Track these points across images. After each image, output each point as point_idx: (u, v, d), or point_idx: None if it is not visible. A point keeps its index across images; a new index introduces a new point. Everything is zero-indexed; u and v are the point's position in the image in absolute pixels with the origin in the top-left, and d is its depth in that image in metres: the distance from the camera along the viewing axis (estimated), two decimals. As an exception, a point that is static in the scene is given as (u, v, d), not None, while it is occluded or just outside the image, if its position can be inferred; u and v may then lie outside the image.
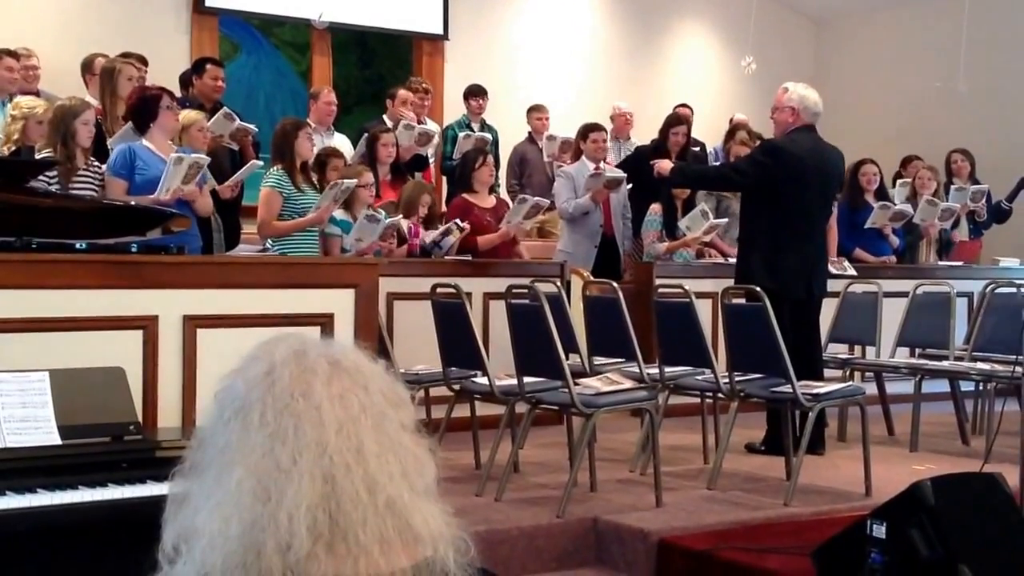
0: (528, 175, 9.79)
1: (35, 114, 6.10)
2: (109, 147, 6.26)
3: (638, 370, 5.86)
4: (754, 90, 11.61)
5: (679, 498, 5.27)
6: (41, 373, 3.48)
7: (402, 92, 9.19)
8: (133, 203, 5.47)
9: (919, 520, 3.56)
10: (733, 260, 6.95)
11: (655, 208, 8.18)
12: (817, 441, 6.13)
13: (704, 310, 6.57)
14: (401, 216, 7.18)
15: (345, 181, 6.64)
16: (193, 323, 4.15)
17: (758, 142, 8.07)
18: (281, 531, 1.34)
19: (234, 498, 1.36)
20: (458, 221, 7.37)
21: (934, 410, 7.18)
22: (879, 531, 3.66)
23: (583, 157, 8.60)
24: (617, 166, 9.00)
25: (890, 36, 12.76)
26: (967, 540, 3.58)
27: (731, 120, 10.69)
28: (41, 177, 5.34)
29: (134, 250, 4.18)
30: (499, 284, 6.33)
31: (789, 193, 6.20)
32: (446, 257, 7.34)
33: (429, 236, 7.38)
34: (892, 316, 7.31)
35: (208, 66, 8.05)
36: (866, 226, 8.81)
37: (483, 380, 5.67)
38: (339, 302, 4.50)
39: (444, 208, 8.43)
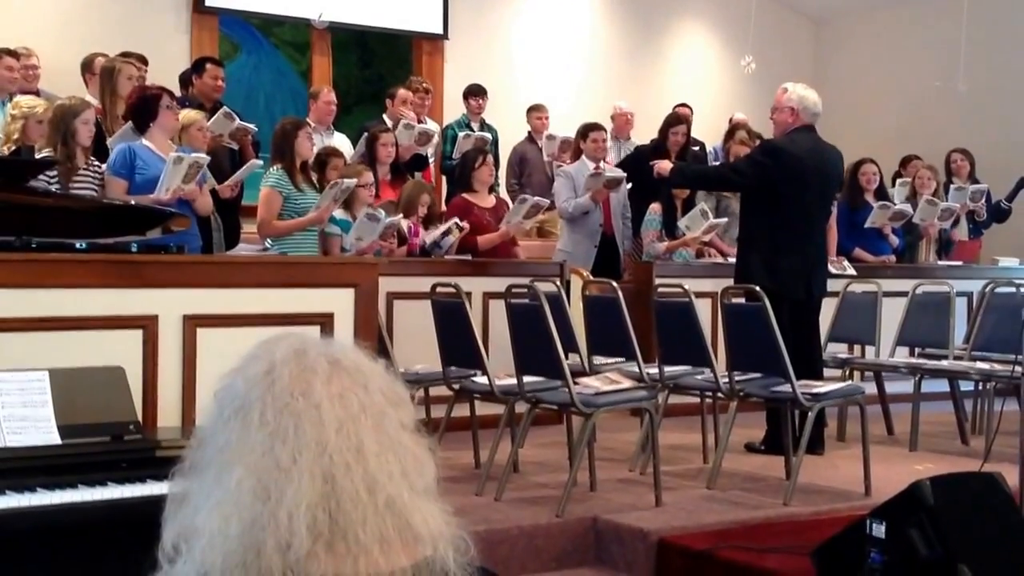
0: (528, 175, 9.79)
1: (35, 113, 6.10)
2: (109, 146, 6.26)
3: (638, 370, 5.85)
4: (754, 90, 11.61)
5: (679, 498, 5.28)
6: (41, 372, 3.48)
7: (402, 92, 9.19)
8: (133, 202, 5.47)
9: (918, 520, 3.56)
10: (733, 260, 6.95)
11: (654, 208, 8.18)
12: (816, 441, 6.13)
13: (704, 310, 6.57)
14: (401, 216, 7.18)
15: (345, 181, 6.64)
16: (193, 323, 4.15)
17: (758, 142, 8.08)
18: (281, 530, 1.34)
19: (234, 497, 1.36)
20: (457, 220, 7.37)
21: (933, 410, 7.18)
22: (878, 531, 3.66)
23: (583, 156, 8.60)
24: (616, 165, 9.00)
25: (890, 36, 12.76)
26: (966, 540, 3.58)
27: (731, 120, 10.69)
28: (41, 176, 5.35)
29: (134, 250, 4.18)
30: (499, 284, 6.34)
31: (788, 193, 6.20)
32: (446, 257, 7.35)
33: (429, 236, 7.38)
34: (892, 316, 7.31)
35: (208, 66, 8.05)
36: (866, 226, 8.81)
37: (483, 379, 5.67)
38: (339, 302, 4.50)
39: (444, 208, 8.43)
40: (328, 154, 7.44)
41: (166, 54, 9.05)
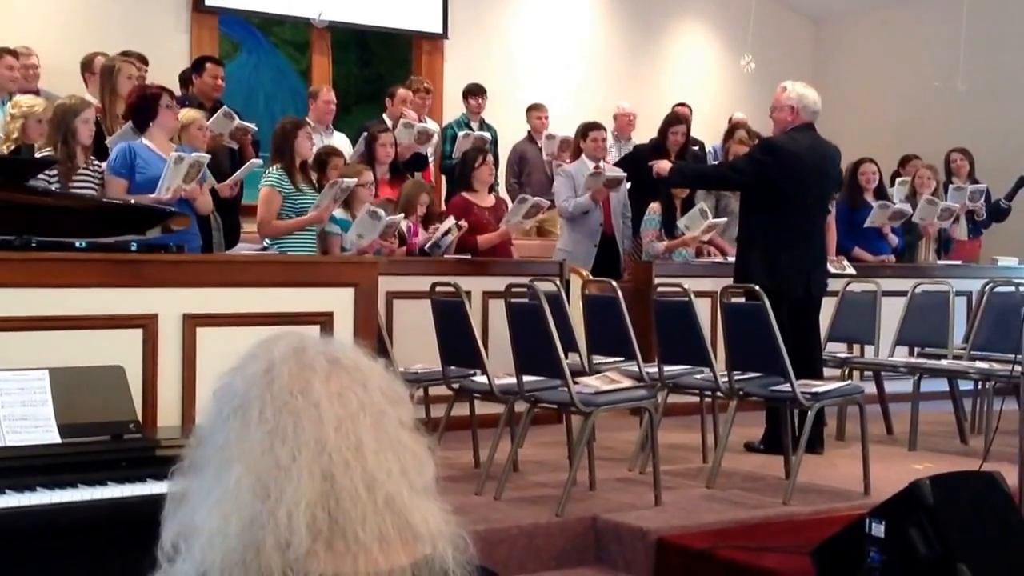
0: (527, 174, 9.79)
1: (34, 113, 6.10)
2: (108, 145, 6.27)
3: (637, 369, 5.86)
4: (753, 89, 11.60)
5: (678, 497, 5.28)
6: (41, 372, 3.48)
7: (401, 91, 9.19)
8: (133, 202, 5.48)
9: (918, 519, 3.56)
10: (732, 259, 6.95)
11: (654, 207, 8.19)
12: (816, 440, 6.14)
13: (703, 309, 6.57)
14: (401, 215, 7.18)
15: (345, 180, 6.64)
16: (193, 322, 4.15)
17: (757, 141, 8.08)
18: (280, 529, 1.34)
19: (233, 496, 1.36)
20: (453, 219, 7.38)
21: (933, 409, 7.18)
22: (878, 530, 3.66)
23: (583, 156, 8.60)
24: (615, 164, 9.00)
25: (889, 35, 12.76)
26: (966, 539, 3.58)
27: (730, 119, 10.69)
28: (41, 176, 5.35)
29: (134, 249, 4.18)
30: (498, 283, 6.33)
31: (788, 192, 6.21)
32: (445, 256, 7.35)
33: (428, 240, 7.37)
34: (891, 315, 7.32)
35: (208, 65, 8.06)
36: (865, 225, 8.81)
37: (482, 379, 5.67)
38: (339, 301, 4.50)
39: (443, 207, 8.43)
40: (328, 154, 7.44)
41: (166, 53, 9.05)
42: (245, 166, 6.95)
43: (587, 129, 8.67)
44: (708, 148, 10.28)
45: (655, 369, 5.95)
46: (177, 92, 7.41)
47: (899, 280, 8.11)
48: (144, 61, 7.67)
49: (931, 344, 7.44)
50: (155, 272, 4.11)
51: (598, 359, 6.22)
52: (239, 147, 7.63)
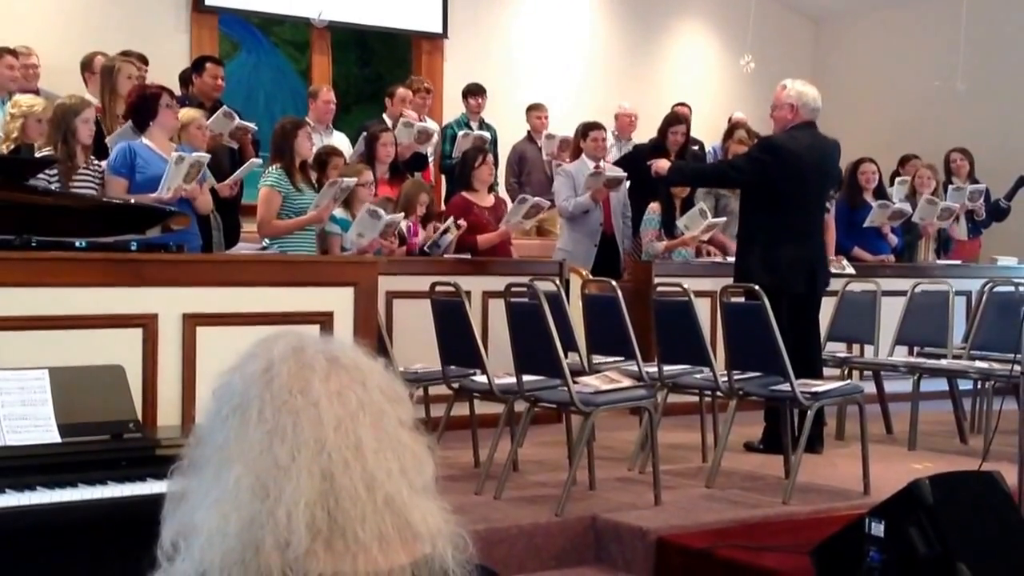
0: (527, 173, 9.80)
1: (34, 112, 6.10)
2: (107, 144, 6.27)
3: (637, 368, 5.86)
4: (753, 89, 11.60)
5: (678, 496, 5.28)
6: (41, 371, 3.49)
7: (401, 90, 9.19)
8: (132, 201, 5.48)
9: (917, 518, 3.56)
10: (732, 259, 6.95)
11: (653, 207, 8.19)
12: (815, 439, 6.14)
13: (703, 309, 6.57)
14: (401, 215, 7.18)
15: (344, 180, 6.64)
16: (193, 321, 4.15)
17: (756, 141, 8.08)
18: (280, 528, 1.34)
19: (232, 495, 1.36)
20: (453, 218, 7.38)
21: (932, 409, 7.18)
22: (877, 529, 3.67)
23: (583, 155, 8.60)
24: (615, 163, 8.99)
25: (889, 35, 12.77)
26: (965, 538, 3.58)
27: (730, 119, 10.70)
28: (41, 175, 5.35)
29: (134, 248, 4.19)
30: (498, 283, 6.33)
31: (788, 190, 6.20)
32: (445, 256, 7.35)
33: (427, 240, 7.38)
34: (890, 315, 7.32)
35: (208, 65, 8.06)
36: (865, 225, 8.81)
37: (482, 378, 5.67)
38: (338, 300, 4.51)
39: (443, 207, 8.44)
40: (328, 153, 7.44)
41: (166, 53, 9.05)
42: (245, 166, 6.96)
43: (587, 129, 8.67)
44: (708, 148, 10.28)
45: (655, 369, 5.95)
46: (177, 92, 7.41)
47: (899, 280, 8.11)
48: (144, 61, 7.67)
49: (931, 344, 7.44)
50: (155, 272, 4.11)
51: (598, 359, 6.22)
52: (239, 147, 7.64)
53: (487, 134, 9.51)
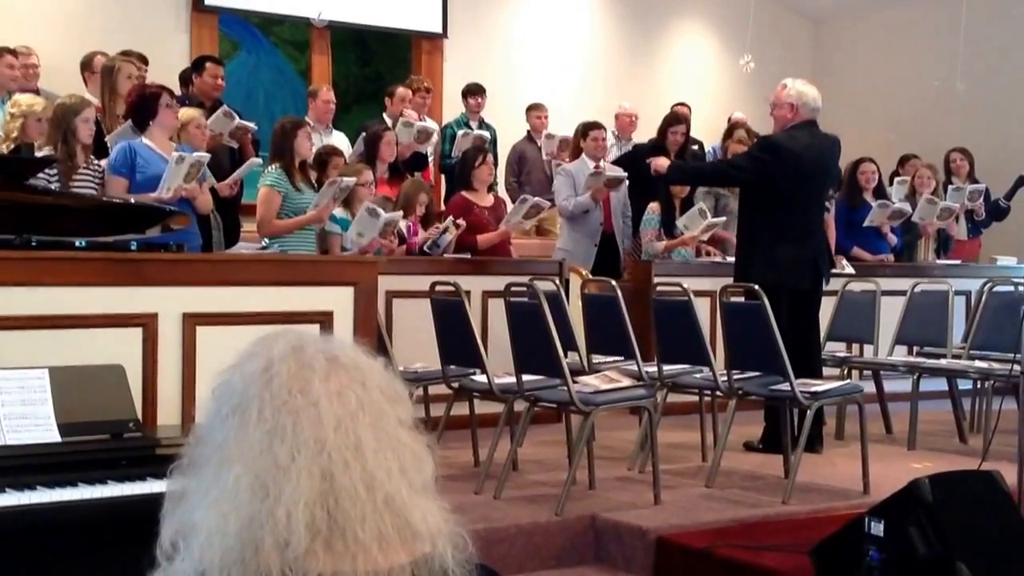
0: (527, 173, 9.80)
1: (34, 112, 6.10)
2: (107, 143, 6.28)
3: (636, 368, 5.86)
4: (752, 89, 11.60)
5: (677, 496, 5.28)
6: (41, 370, 3.49)
7: (400, 90, 9.19)
8: (132, 200, 5.48)
9: (917, 518, 3.56)
10: (731, 259, 6.94)
11: (653, 207, 8.19)
12: (815, 439, 6.14)
13: (702, 308, 6.57)
14: (400, 213, 7.18)
15: (344, 179, 6.64)
16: (193, 321, 4.15)
17: (756, 140, 8.08)
18: (279, 528, 1.34)
19: (232, 495, 1.36)
20: (452, 217, 7.38)
21: (932, 408, 7.18)
22: (877, 529, 3.67)
23: (583, 155, 8.60)
24: (614, 162, 8.98)
25: (888, 35, 12.77)
26: (965, 538, 3.58)
27: (729, 119, 10.70)
28: (41, 175, 5.35)
29: (134, 248, 4.19)
30: (498, 282, 6.34)
31: (787, 189, 6.20)
32: (445, 255, 7.35)
33: (426, 240, 7.38)
34: (890, 314, 7.32)
35: (208, 64, 8.06)
36: (864, 225, 8.82)
37: (482, 378, 5.67)
38: (338, 300, 4.51)
39: (443, 207, 8.44)
40: (329, 153, 7.44)
41: (166, 53, 9.06)
42: (245, 165, 6.96)
43: (587, 128, 8.67)
44: (707, 148, 10.28)
45: (654, 368, 5.96)
46: (177, 91, 7.41)
47: (898, 279, 8.12)
48: (144, 61, 7.66)
49: (930, 343, 7.44)
50: (155, 271, 4.12)
51: (597, 358, 6.22)
52: (239, 146, 7.64)
53: (487, 134, 9.51)
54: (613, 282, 6.27)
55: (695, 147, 9.72)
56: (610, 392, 5.25)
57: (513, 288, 5.81)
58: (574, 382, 5.16)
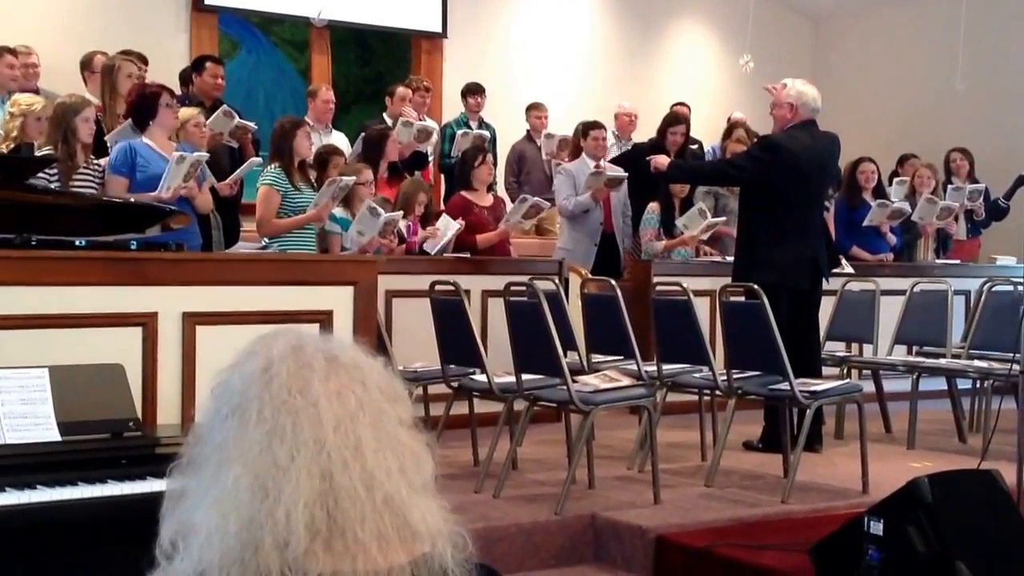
0: (526, 173, 9.80)
1: (33, 111, 6.11)
2: (107, 142, 6.28)
3: (636, 367, 5.86)
4: (752, 89, 11.56)
5: (677, 495, 5.28)
6: (41, 370, 3.49)
7: (401, 89, 9.19)
8: (132, 200, 5.49)
9: (916, 517, 3.57)
10: (731, 258, 6.94)
11: (652, 207, 8.20)
12: (814, 438, 6.15)
13: (702, 308, 6.57)
14: (400, 213, 7.18)
15: (343, 178, 6.64)
16: (192, 320, 4.15)
17: (756, 140, 8.08)
18: (279, 528, 1.34)
19: (232, 495, 1.37)
20: (457, 223, 7.39)
21: (931, 408, 7.19)
22: (876, 528, 3.67)
23: (583, 155, 8.60)
24: (613, 161, 8.98)
25: (888, 34, 12.77)
26: (964, 537, 3.59)
27: (729, 119, 10.69)
28: (41, 174, 5.35)
29: (134, 247, 4.19)
30: (498, 282, 6.34)
31: (787, 189, 6.21)
32: (445, 255, 7.35)
33: (428, 245, 7.38)
34: (890, 314, 7.33)
35: (208, 64, 8.06)
36: (864, 224, 8.82)
37: (481, 377, 5.67)
38: (338, 299, 4.51)
39: (442, 206, 8.44)
40: (329, 153, 7.44)
41: (166, 52, 9.06)
42: (245, 165, 6.97)
43: (588, 128, 8.67)
44: (707, 148, 10.28)
45: (654, 368, 5.96)
46: (177, 91, 7.41)
47: (898, 279, 8.12)
48: (144, 60, 7.66)
49: (929, 343, 7.45)
50: (155, 270, 4.12)
51: (597, 358, 6.22)
52: (239, 146, 7.64)
53: (486, 133, 9.52)
54: (613, 282, 6.27)
55: (694, 147, 9.71)
56: (610, 391, 5.25)
57: (513, 287, 5.81)
58: (574, 381, 5.16)
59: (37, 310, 3.86)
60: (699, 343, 5.71)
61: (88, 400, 3.53)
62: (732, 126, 9.77)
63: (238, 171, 6.91)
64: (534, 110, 10.06)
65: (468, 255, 7.43)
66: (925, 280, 7.81)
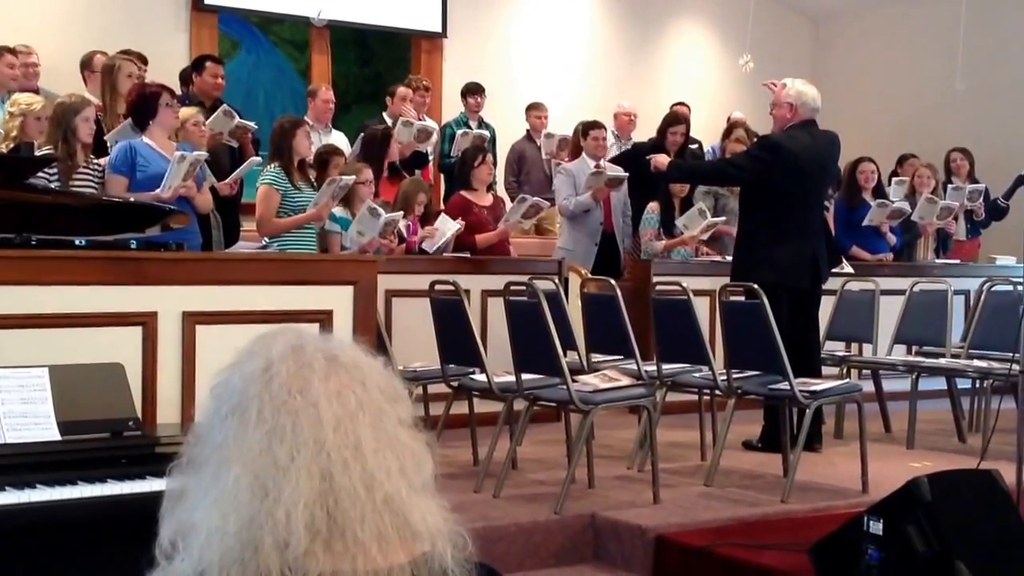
0: (526, 173, 9.81)
1: (33, 110, 6.10)
2: (106, 142, 6.28)
3: (636, 367, 5.86)
4: (751, 88, 11.57)
5: (676, 495, 5.28)
6: (41, 369, 3.49)
7: (401, 89, 9.19)
8: (132, 199, 5.49)
9: (916, 517, 3.57)
10: (731, 258, 6.94)
11: (652, 207, 8.20)
12: (814, 438, 6.15)
13: (702, 307, 6.58)
14: (400, 213, 7.18)
15: (343, 177, 6.65)
16: (192, 319, 4.15)
17: (756, 139, 8.08)
18: (279, 528, 1.34)
19: (232, 495, 1.36)
20: (457, 223, 7.39)
21: (931, 407, 7.18)
22: (876, 528, 3.67)
23: (583, 154, 8.60)
24: (613, 160, 8.98)
25: (887, 34, 12.77)
26: (963, 536, 3.59)
27: (728, 118, 10.69)
28: (41, 173, 5.35)
29: (133, 247, 4.19)
30: (497, 281, 6.34)
31: (788, 189, 6.21)
32: (444, 254, 7.36)
33: (427, 244, 7.38)
34: (889, 314, 7.33)
35: (208, 64, 8.05)
36: (863, 224, 8.82)
37: (481, 377, 5.67)
38: (338, 299, 4.51)
39: (442, 206, 8.44)
40: (330, 153, 7.43)
41: (165, 52, 9.06)
42: (244, 164, 6.97)
43: (588, 128, 8.67)
44: (706, 148, 10.28)
45: (654, 367, 5.96)
46: (177, 91, 7.41)
47: (897, 279, 8.12)
48: (144, 60, 7.66)
49: (929, 343, 7.45)
50: (155, 270, 4.12)
51: (597, 357, 6.22)
52: (239, 145, 7.64)
53: (486, 133, 9.51)
54: (612, 281, 6.27)
55: (694, 146, 9.71)
56: (609, 391, 5.26)
57: (512, 287, 5.82)
58: (573, 381, 5.16)
59: (37, 309, 3.86)
60: (699, 343, 5.71)
61: (88, 399, 3.53)
62: (732, 126, 9.77)
63: (238, 171, 6.91)
64: (534, 110, 10.06)
65: (468, 255, 7.43)
66: (925, 280, 7.81)
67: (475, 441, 6.01)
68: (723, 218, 8.15)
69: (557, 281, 6.77)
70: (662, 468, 5.33)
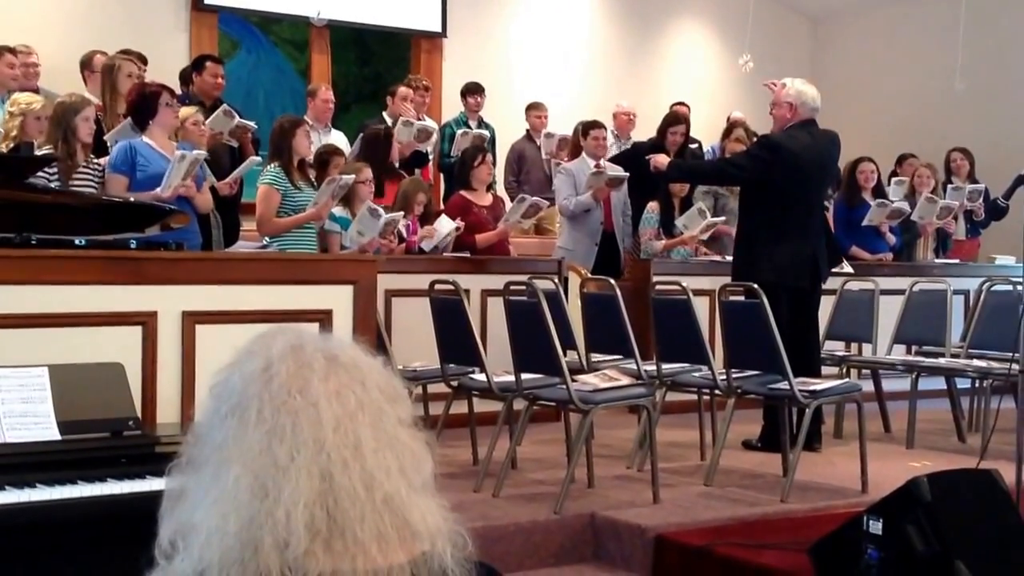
0: (526, 172, 9.81)
1: (33, 110, 6.10)
2: (106, 142, 6.28)
3: (635, 367, 5.86)
4: (751, 88, 11.58)
5: (676, 494, 5.28)
6: (40, 368, 3.49)
7: (402, 89, 9.19)
8: (132, 199, 5.49)
9: (915, 516, 3.57)
10: (730, 258, 6.95)
11: (652, 206, 8.20)
12: (814, 438, 6.15)
13: (702, 307, 6.58)
14: (401, 213, 7.18)
15: (343, 177, 6.65)
16: (192, 319, 4.15)
17: (755, 139, 8.08)
18: (279, 528, 1.34)
19: (232, 495, 1.37)
20: (455, 223, 7.39)
21: (930, 407, 7.18)
22: (875, 527, 3.67)
23: (583, 154, 8.60)
24: (612, 160, 8.97)
25: (888, 34, 12.77)
26: (963, 536, 3.59)
27: (728, 118, 10.69)
28: (41, 173, 5.35)
29: (133, 246, 4.19)
30: (497, 281, 6.34)
31: (788, 188, 6.21)
32: (444, 254, 7.36)
33: (425, 244, 7.38)
34: (889, 313, 7.33)
35: (208, 63, 8.05)
36: (863, 224, 8.83)
37: (481, 376, 5.68)
38: (338, 298, 4.51)
39: (442, 206, 8.44)
40: (330, 153, 7.44)
41: (165, 52, 9.07)
42: (244, 164, 6.97)
43: (588, 127, 8.67)
44: (706, 147, 10.28)
45: (653, 367, 5.96)
46: (177, 90, 7.41)
47: (897, 279, 8.12)
48: (144, 60, 7.66)
49: (929, 342, 7.45)
50: (155, 269, 4.12)
51: (596, 357, 6.23)
52: (239, 145, 7.64)
53: (486, 133, 9.51)
54: (612, 281, 6.27)
55: (694, 146, 9.72)
56: (609, 391, 5.26)
57: (512, 287, 5.82)
58: (573, 381, 5.16)
59: (37, 309, 3.86)
60: (698, 342, 5.72)
61: (88, 399, 3.53)
62: (731, 126, 9.77)
63: (238, 170, 6.91)
64: (534, 110, 10.06)
65: (468, 255, 7.43)
66: (924, 280, 7.82)
67: (475, 441, 6.01)
68: (723, 218, 8.15)
69: (557, 281, 6.77)
70: (662, 468, 5.33)
